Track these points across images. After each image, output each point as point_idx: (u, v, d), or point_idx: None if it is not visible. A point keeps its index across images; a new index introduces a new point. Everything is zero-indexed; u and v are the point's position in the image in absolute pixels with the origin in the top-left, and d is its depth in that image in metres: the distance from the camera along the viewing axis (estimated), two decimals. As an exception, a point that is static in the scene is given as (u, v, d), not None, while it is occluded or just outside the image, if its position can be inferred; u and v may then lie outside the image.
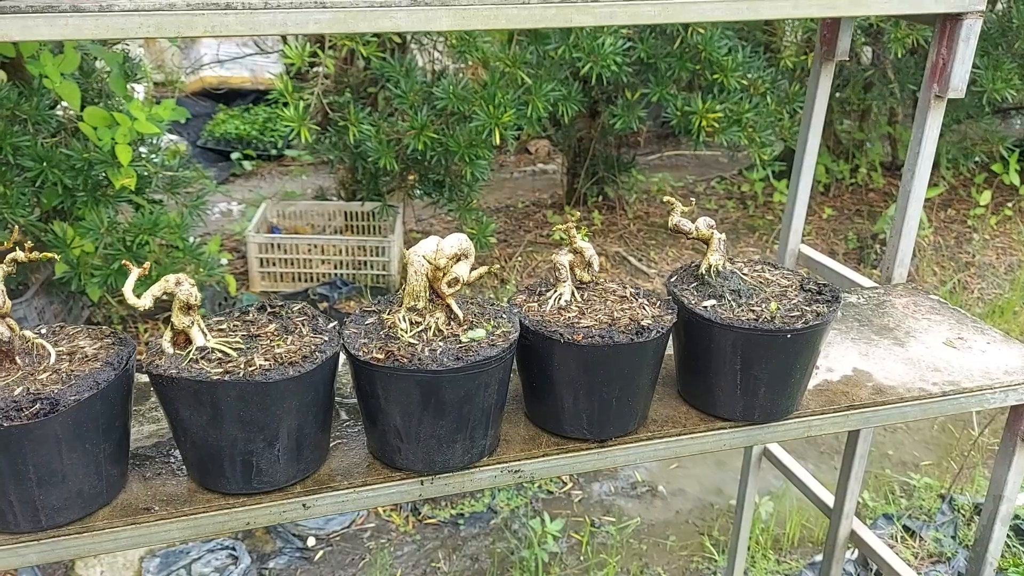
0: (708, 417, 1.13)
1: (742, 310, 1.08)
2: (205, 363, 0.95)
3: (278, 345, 0.99)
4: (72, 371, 0.93)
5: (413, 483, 1.05)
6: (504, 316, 1.06)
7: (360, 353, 0.99)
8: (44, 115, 2.86)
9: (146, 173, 3.14)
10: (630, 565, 2.82)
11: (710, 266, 1.16)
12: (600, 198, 4.99)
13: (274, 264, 4.02)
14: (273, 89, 6.10)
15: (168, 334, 0.98)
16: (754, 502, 2.05)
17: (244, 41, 5.60)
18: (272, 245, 4.01)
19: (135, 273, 0.94)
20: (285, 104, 3.07)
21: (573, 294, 1.12)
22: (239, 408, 0.94)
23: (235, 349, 0.98)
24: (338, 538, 2.94)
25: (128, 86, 3.09)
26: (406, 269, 1.04)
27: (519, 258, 4.44)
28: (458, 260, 1.04)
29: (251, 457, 0.98)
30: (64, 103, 2.96)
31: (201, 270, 3.24)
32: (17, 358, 0.94)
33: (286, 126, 3.01)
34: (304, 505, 1.02)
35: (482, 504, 3.05)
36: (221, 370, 0.94)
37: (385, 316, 1.06)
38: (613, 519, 3.02)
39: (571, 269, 1.13)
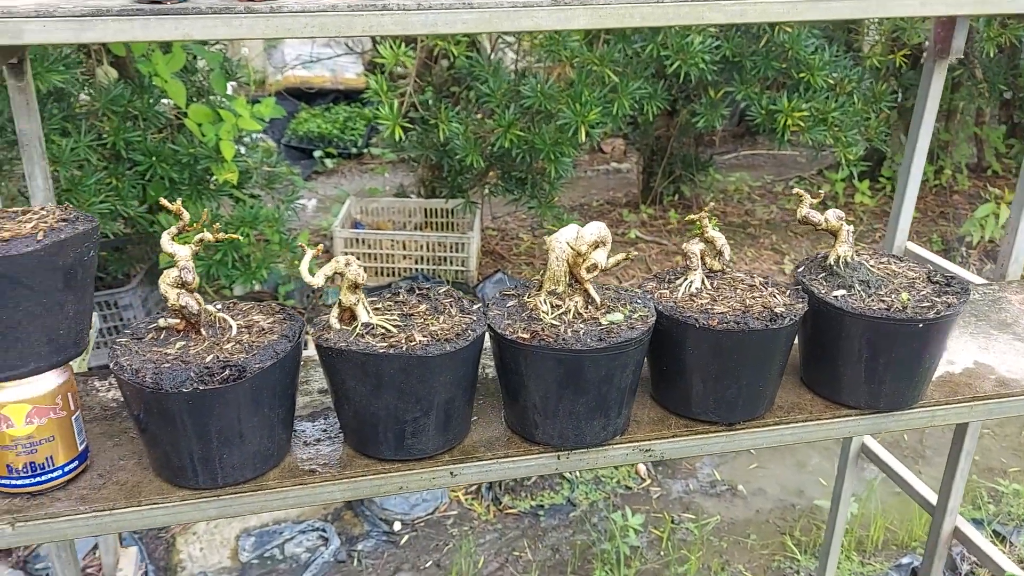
0: (833, 404, 1.17)
1: (872, 300, 1.11)
2: (370, 338, 1.03)
3: (432, 323, 1.07)
4: (252, 342, 1.02)
5: (550, 457, 1.11)
6: (639, 301, 1.12)
7: (506, 332, 1.06)
8: (154, 112, 3.01)
9: (246, 169, 3.28)
10: (711, 562, 2.85)
11: (839, 257, 1.19)
12: (676, 197, 5.00)
13: (358, 258, 4.14)
14: (352, 89, 6.24)
15: (336, 311, 1.06)
16: (849, 501, 2.06)
17: (327, 42, 5.76)
18: (356, 240, 4.12)
19: (310, 253, 1.02)
20: (379, 103, 3.17)
21: (703, 282, 1.17)
22: (400, 380, 1.01)
23: (395, 326, 1.05)
24: (423, 524, 3.03)
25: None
26: (548, 255, 1.10)
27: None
28: (596, 247, 1.10)
29: (406, 426, 1.05)
30: (165, 100, 3.12)
31: (296, 262, 3.37)
32: (202, 329, 1.03)
33: (380, 124, 3.11)
34: (451, 473, 1.09)
35: (561, 497, 3.11)
36: (386, 344, 1.01)
37: (525, 299, 1.13)
38: (693, 516, 3.04)
39: (701, 258, 1.18)
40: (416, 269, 4.14)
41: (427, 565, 2.85)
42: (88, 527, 1.00)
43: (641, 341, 1.05)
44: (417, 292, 1.16)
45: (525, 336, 1.05)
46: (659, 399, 1.19)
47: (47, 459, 1.00)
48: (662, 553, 2.89)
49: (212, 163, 3.04)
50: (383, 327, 1.05)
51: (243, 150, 3.33)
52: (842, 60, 3.44)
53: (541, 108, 3.31)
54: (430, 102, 3.75)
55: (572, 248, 1.07)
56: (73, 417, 1.02)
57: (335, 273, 1.04)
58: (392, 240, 4.15)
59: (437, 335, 1.03)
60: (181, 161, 3.03)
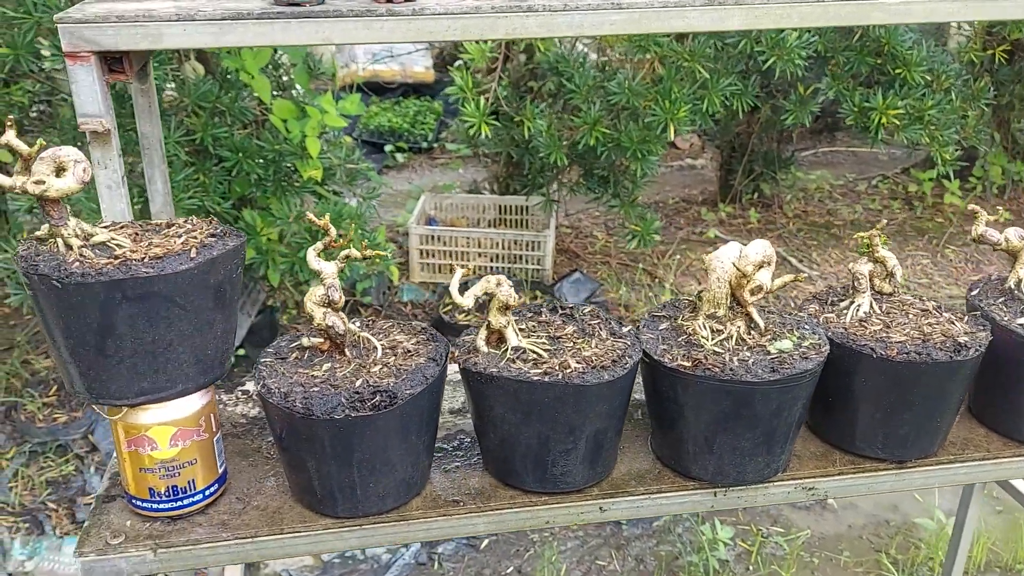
0: (1011, 442, 1.08)
1: (1067, 330, 1.02)
2: (521, 363, 0.97)
3: (583, 348, 1.00)
4: (399, 365, 0.96)
5: (706, 494, 1.04)
6: (806, 327, 1.04)
7: (664, 359, 0.99)
8: (241, 108, 3.00)
9: (329, 166, 3.26)
10: (802, 577, 2.75)
11: (1020, 280, 1.09)
12: (755, 195, 4.86)
13: (433, 255, 4.11)
14: (420, 82, 6.22)
15: (482, 332, 1.00)
16: (973, 528, 1.95)
17: (399, 35, 5.74)
18: (432, 237, 4.09)
19: (459, 273, 0.97)
20: (463, 100, 3.12)
21: (872, 305, 1.08)
22: (554, 409, 0.95)
23: (545, 350, 0.99)
24: (505, 528, 2.96)
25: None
26: (708, 275, 1.03)
27: (673, 256, 4.38)
28: (760, 267, 1.02)
29: (555, 457, 0.99)
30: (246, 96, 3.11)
31: (377, 261, 3.35)
32: (346, 350, 0.98)
33: (465, 121, 3.05)
34: (601, 508, 1.03)
35: (645, 505, 3.02)
36: (539, 371, 0.95)
37: (679, 322, 1.06)
38: (782, 530, 2.94)
39: (870, 279, 1.09)
40: (492, 267, 4.09)
41: (508, 571, 2.80)
42: (229, 555, 0.96)
43: (815, 373, 0.97)
44: (561, 311, 1.09)
45: (687, 364, 0.97)
46: (819, 431, 1.11)
47: (189, 482, 0.97)
48: (751, 568, 2.79)
49: (297, 160, 3.02)
50: (534, 351, 0.98)
51: (325, 146, 3.31)
52: (939, 55, 3.28)
53: (627, 105, 3.23)
54: (509, 98, 3.69)
55: (737, 269, 0.99)
56: (215, 439, 0.99)
57: (484, 293, 0.98)
58: (467, 238, 4.11)
59: (592, 361, 0.97)
60: (266, 157, 3.02)
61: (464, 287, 0.95)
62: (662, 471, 1.06)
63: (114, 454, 1.07)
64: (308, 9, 1.04)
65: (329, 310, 0.96)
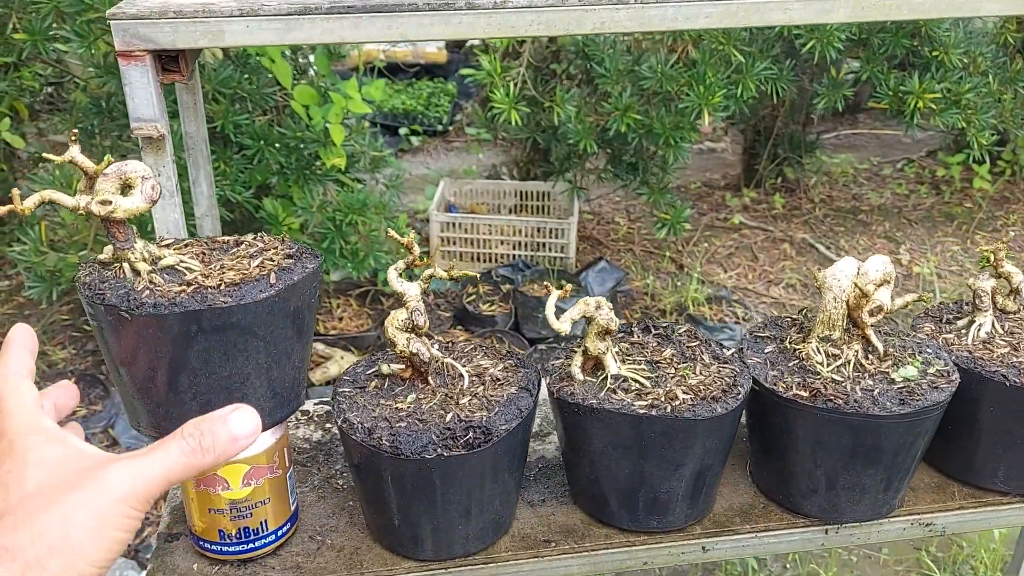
0: None
1: None
2: (623, 393, 0.88)
3: (687, 375, 0.92)
4: (490, 396, 0.88)
5: (817, 531, 0.96)
6: (929, 350, 0.95)
7: (778, 388, 0.90)
8: (262, 94, 2.90)
9: (352, 153, 3.16)
10: (841, 577, 2.68)
11: None
12: (779, 180, 4.76)
13: (454, 243, 4.02)
14: (432, 63, 6.09)
15: (577, 359, 0.92)
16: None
17: (412, 15, 5.61)
18: (453, 224, 4.00)
19: (556, 295, 0.88)
20: (491, 85, 3.01)
21: (994, 325, 0.99)
22: (661, 444, 0.87)
23: (646, 377, 0.91)
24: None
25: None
26: (823, 293, 0.94)
27: (698, 244, 4.28)
28: (880, 285, 0.93)
29: (657, 494, 0.91)
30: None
31: (401, 250, 3.26)
32: (430, 378, 0.90)
33: (496, 108, 2.95)
34: (703, 548, 0.95)
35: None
36: (645, 403, 0.86)
37: (787, 344, 0.97)
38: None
39: (992, 296, 1.01)
40: (514, 255, 4.00)
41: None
42: (305, 602, 0.88)
43: (944, 404, 0.89)
44: (654, 331, 1.00)
45: (804, 394, 0.89)
46: (934, 461, 1.02)
47: (261, 523, 0.88)
48: (788, 566, 2.73)
49: (320, 147, 2.93)
50: (636, 380, 0.90)
51: (347, 133, 3.21)
52: (975, 37, 3.18)
53: (660, 89, 3.12)
54: (534, 82, 3.58)
55: (858, 288, 0.91)
56: (288, 475, 0.90)
57: (582, 316, 0.89)
58: (489, 225, 4.01)
59: (699, 391, 0.88)
60: (288, 145, 2.93)
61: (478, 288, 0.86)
62: (767, 506, 0.98)
63: (177, 490, 0.99)
64: (380, 3, 0.94)
65: (413, 336, 0.88)
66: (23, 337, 0.62)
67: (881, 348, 0.94)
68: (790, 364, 0.94)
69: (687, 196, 4.81)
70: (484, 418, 0.85)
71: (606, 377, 0.90)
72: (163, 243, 0.85)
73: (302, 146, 2.92)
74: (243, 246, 0.85)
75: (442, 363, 0.91)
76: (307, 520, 0.96)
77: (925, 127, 3.99)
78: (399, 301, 0.88)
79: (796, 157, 4.61)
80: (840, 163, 5.05)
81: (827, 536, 0.96)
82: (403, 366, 0.90)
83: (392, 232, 0.90)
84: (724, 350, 0.97)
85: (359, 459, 0.86)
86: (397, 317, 0.88)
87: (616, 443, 0.88)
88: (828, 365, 0.92)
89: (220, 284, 0.76)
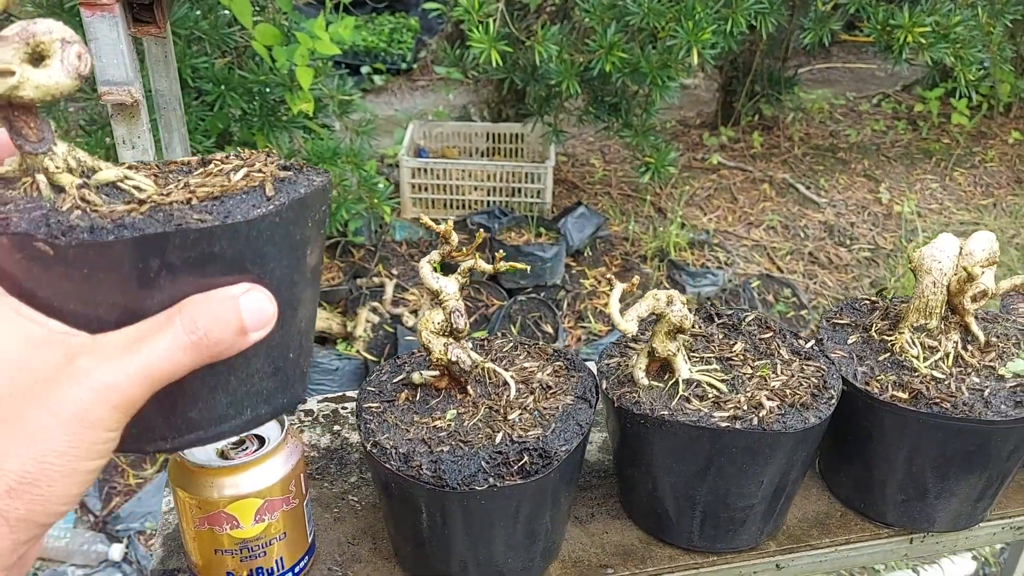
0: None
1: None
2: (698, 401, 0.76)
3: (767, 376, 0.79)
4: (542, 408, 0.75)
5: (901, 541, 0.86)
6: (1033, 339, 0.84)
7: (872, 389, 0.79)
8: (223, 35, 2.66)
9: (320, 96, 2.95)
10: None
11: None
12: (756, 118, 4.63)
13: (426, 190, 3.84)
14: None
15: (642, 360, 0.78)
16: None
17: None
18: (424, 170, 3.81)
19: (619, 288, 0.74)
20: (468, 23, 2.81)
21: (1097, 307, 0.88)
22: (743, 460, 0.75)
23: (720, 380, 0.78)
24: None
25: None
26: (919, 277, 0.82)
27: (676, 185, 4.16)
28: (985, 267, 0.81)
29: (733, 513, 0.79)
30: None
31: (375, 201, 3.08)
32: (469, 387, 0.76)
33: (474, 47, 2.76)
34: (777, 566, 0.84)
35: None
36: (726, 414, 0.74)
37: (873, 333, 0.85)
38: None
39: (1095, 275, 0.89)
40: (489, 201, 3.84)
41: None
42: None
43: (1062, 403, 0.78)
44: (719, 321, 0.88)
45: (903, 396, 0.77)
46: (1024, 456, 0.92)
47: (276, 562, 0.75)
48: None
49: (286, 91, 2.71)
50: (712, 385, 0.77)
51: (315, 76, 2.98)
52: (966, -34, 3.05)
53: (645, 26, 2.95)
54: (512, 18, 3.37)
55: (965, 271, 0.78)
56: (305, 503, 0.77)
57: (651, 314, 0.76)
58: (462, 170, 3.83)
59: (786, 397, 0.76)
60: (251, 90, 2.71)
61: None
62: (845, 514, 0.87)
63: (170, 515, 0.85)
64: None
65: (452, 340, 0.73)
66: None
67: (983, 338, 0.82)
68: (880, 358, 0.82)
69: (663, 135, 4.66)
70: (540, 437, 0.71)
71: (676, 382, 0.77)
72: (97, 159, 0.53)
73: (266, 90, 2.70)
74: (214, 164, 0.54)
75: (483, 368, 0.77)
76: (324, 549, 0.83)
77: (910, 61, 3.87)
78: (435, 300, 0.73)
79: (774, 94, 4.47)
80: (816, 99, 4.93)
81: (911, 546, 0.86)
82: (438, 374, 0.76)
83: (425, 219, 0.75)
84: (801, 341, 0.84)
85: (393, 488, 0.73)
86: (432, 319, 0.73)
87: (689, 459, 0.76)
88: (926, 360, 0.80)
89: (191, 200, 0.46)
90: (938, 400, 0.76)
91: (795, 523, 0.86)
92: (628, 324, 0.74)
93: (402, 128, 4.10)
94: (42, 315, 0.42)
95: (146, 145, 0.79)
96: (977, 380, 0.78)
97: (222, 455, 0.73)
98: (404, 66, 5.20)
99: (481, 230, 0.84)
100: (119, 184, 0.48)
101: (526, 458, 0.70)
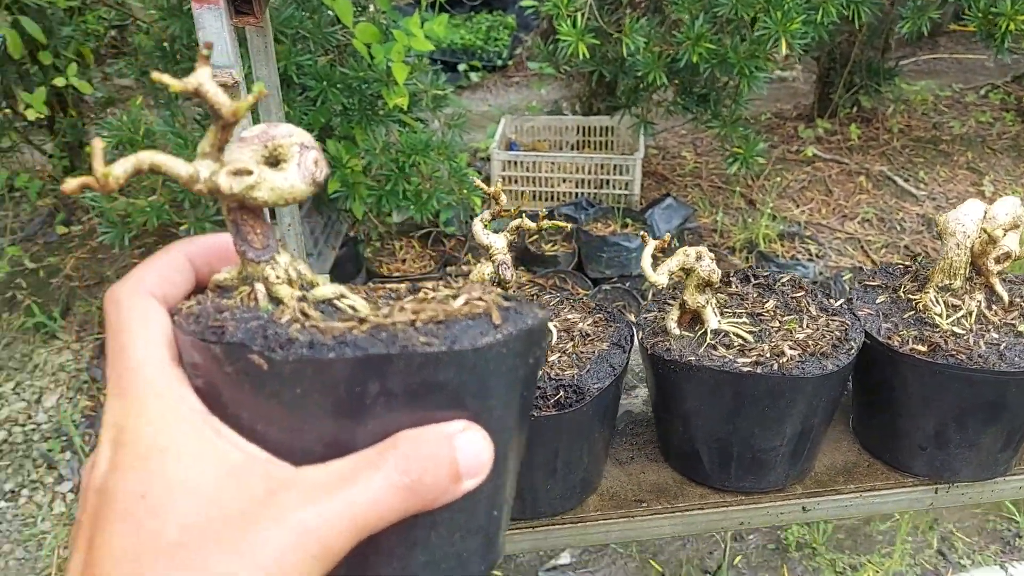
0: None
1: None
2: (724, 349, 0.83)
3: (793, 329, 0.85)
4: (580, 353, 0.83)
5: (926, 490, 0.90)
6: (1059, 300, 0.87)
7: (893, 342, 0.84)
8: (325, 33, 2.84)
9: (415, 91, 3.10)
10: (918, 521, 2.61)
11: None
12: (854, 109, 4.54)
13: (516, 182, 3.95)
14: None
15: (674, 312, 0.86)
16: None
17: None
18: (514, 163, 3.92)
19: (653, 244, 0.82)
20: (557, 16, 2.90)
21: None
22: (764, 403, 0.81)
23: (748, 332, 0.85)
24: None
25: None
26: (944, 239, 0.86)
27: (768, 178, 4.13)
28: (1008, 230, 0.85)
29: (758, 454, 0.86)
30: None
31: (465, 191, 3.21)
32: (516, 335, 0.85)
33: (562, 40, 2.85)
34: (804, 508, 0.90)
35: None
36: (749, 360, 0.81)
37: (901, 294, 0.90)
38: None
39: None
40: (577, 193, 3.92)
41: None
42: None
43: (1080, 359, 0.81)
44: (755, 281, 0.94)
45: (922, 349, 0.82)
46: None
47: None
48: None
49: (382, 87, 2.87)
50: (739, 335, 0.84)
51: (410, 72, 3.13)
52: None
53: (734, 16, 2.97)
54: (600, 11, 3.44)
55: (986, 232, 0.83)
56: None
57: (681, 269, 0.83)
58: (551, 162, 3.93)
59: (808, 347, 0.82)
60: (351, 85, 2.87)
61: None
62: (872, 464, 0.92)
63: None
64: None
65: (500, 291, 0.83)
66: (181, 248, 0.43)
67: (1007, 298, 0.86)
68: (905, 316, 0.87)
69: (758, 128, 4.63)
70: (575, 376, 0.80)
71: (705, 332, 0.85)
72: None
73: (365, 86, 2.87)
74: (422, 292, 0.52)
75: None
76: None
77: (1016, 50, 3.74)
78: (485, 254, 0.83)
79: (873, 85, 4.38)
80: (920, 90, 4.79)
81: (936, 496, 0.90)
82: (488, 320, 0.86)
83: (478, 182, 0.85)
84: (832, 301, 0.90)
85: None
86: (482, 272, 0.83)
87: (716, 402, 0.83)
88: (948, 317, 0.85)
89: (414, 322, 0.42)
90: (954, 352, 0.81)
91: (823, 470, 0.92)
92: (659, 277, 0.82)
93: (495, 123, 4.23)
94: (243, 438, 0.38)
95: (245, 123, 0.92)
96: (996, 336, 0.82)
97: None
98: (500, 63, 5.33)
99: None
100: (335, 302, 0.46)
101: (561, 393, 0.79)
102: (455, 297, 0.46)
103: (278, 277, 0.45)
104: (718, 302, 0.90)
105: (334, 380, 0.39)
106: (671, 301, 0.92)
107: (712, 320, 0.85)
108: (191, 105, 2.83)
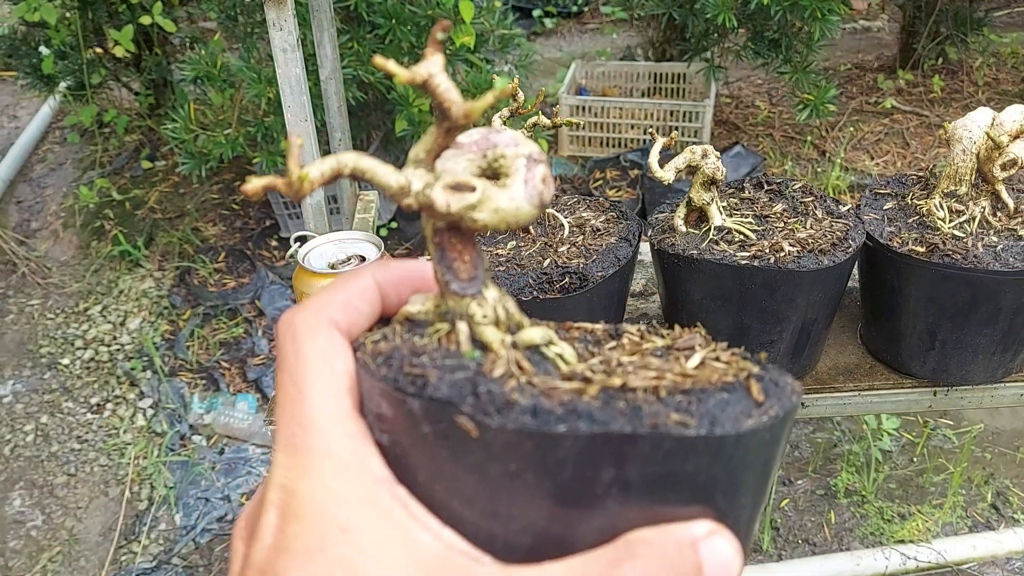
0: None
1: None
2: (726, 245, 0.87)
3: (797, 229, 0.89)
4: (588, 244, 0.89)
5: (924, 392, 0.93)
6: (1067, 209, 0.88)
7: (892, 244, 0.87)
8: (395, -29, 2.90)
9: (481, 32, 3.14)
10: (972, 474, 2.58)
11: None
12: (939, 61, 4.37)
13: (583, 128, 3.96)
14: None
15: (681, 210, 0.91)
16: None
17: None
18: (582, 108, 3.93)
19: (660, 142, 0.87)
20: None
21: None
22: (762, 297, 0.86)
23: (752, 230, 0.89)
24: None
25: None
26: (951, 145, 0.88)
27: (843, 128, 4.04)
28: (1014, 137, 0.86)
29: (756, 348, 0.90)
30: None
31: (525, 131, 3.24)
32: (531, 227, 0.91)
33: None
34: (802, 404, 0.94)
35: (804, 390, 2.90)
36: (747, 254, 0.85)
37: (908, 201, 0.92)
38: (952, 423, 2.76)
39: None
40: (645, 140, 3.91)
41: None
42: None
43: (1078, 263, 0.83)
44: (767, 187, 0.98)
45: (919, 249, 0.85)
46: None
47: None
48: (915, 460, 2.65)
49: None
50: (741, 232, 0.88)
51: (477, 11, 3.18)
52: None
53: (808, -43, 2.91)
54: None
55: (990, 139, 0.84)
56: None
57: (687, 166, 0.88)
58: (620, 108, 3.92)
59: (807, 245, 0.86)
60: (419, 24, 2.93)
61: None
62: (874, 366, 0.96)
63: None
64: None
65: (515, 183, 0.89)
66: (372, 272, 0.37)
67: (1012, 205, 0.88)
68: (909, 220, 0.90)
69: (836, 78, 4.51)
70: (581, 265, 0.86)
71: (709, 229, 0.89)
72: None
73: (432, 25, 2.92)
74: (625, 338, 0.40)
75: (543, 212, 0.92)
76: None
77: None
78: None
79: (960, 35, 4.20)
80: (1010, 43, 4.57)
81: (935, 398, 0.93)
82: (506, 213, 0.92)
83: (496, 78, 0.91)
84: (840, 206, 0.93)
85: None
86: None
87: (716, 295, 0.88)
88: (950, 221, 0.87)
89: (657, 389, 0.34)
90: (951, 253, 0.83)
91: (824, 370, 0.96)
92: (666, 173, 0.86)
93: (566, 69, 4.23)
94: (435, 519, 0.32)
95: (291, 28, 0.99)
96: (996, 240, 0.84)
97: (332, 267, 0.93)
98: (575, 9, 5.31)
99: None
100: (543, 349, 0.37)
101: (567, 279, 0.85)
102: (673, 349, 0.38)
103: (485, 316, 0.36)
104: (729, 206, 0.94)
105: (560, 460, 0.31)
106: (680, 200, 0.96)
107: (716, 217, 0.89)
108: (264, 44, 2.94)
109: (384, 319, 0.39)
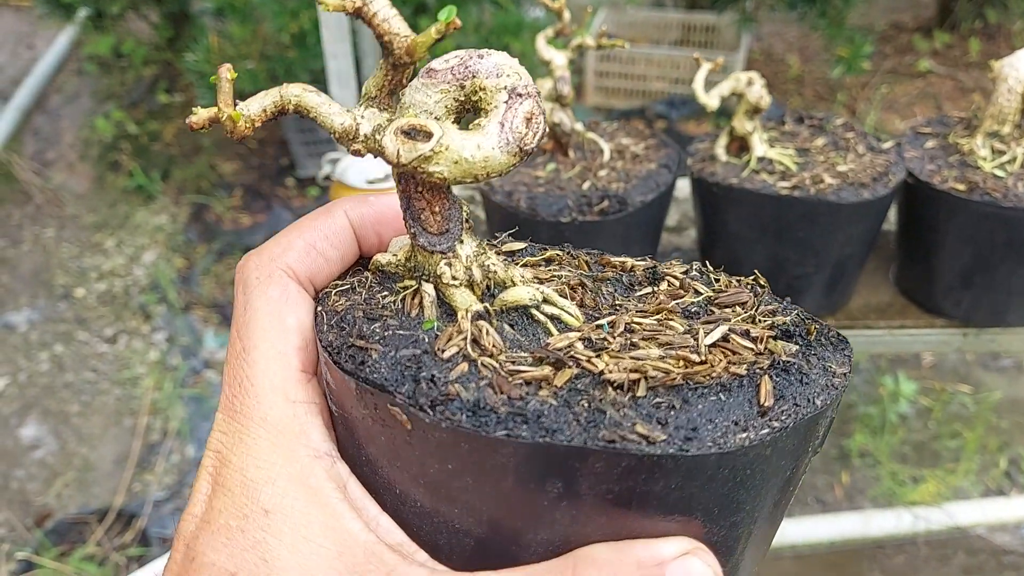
0: None
1: None
2: (767, 175, 0.87)
3: (837, 163, 0.89)
4: (628, 170, 0.89)
5: (955, 332, 0.93)
6: (1114, 153, 0.87)
7: (933, 181, 0.86)
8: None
9: (512, -28, 3.09)
10: (988, 441, 2.59)
11: None
12: (977, 23, 4.28)
13: (609, 76, 3.92)
14: None
15: (722, 139, 0.91)
16: None
17: None
18: (609, 56, 3.88)
19: (706, 67, 0.86)
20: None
21: None
22: (801, 228, 0.86)
23: (794, 163, 0.89)
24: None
25: None
26: (996, 85, 0.87)
27: (875, 88, 3.98)
28: (1067, 79, 0.85)
29: (791, 280, 0.91)
30: None
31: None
32: (570, 151, 0.91)
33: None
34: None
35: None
36: (788, 184, 0.85)
37: (950, 140, 0.92)
38: (970, 389, 2.76)
39: None
40: (672, 92, 3.87)
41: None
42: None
43: (1122, 206, 0.82)
44: (808, 122, 0.97)
45: (960, 187, 0.85)
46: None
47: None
48: (930, 425, 2.66)
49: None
50: (782, 163, 0.88)
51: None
52: None
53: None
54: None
55: (1040, 78, 0.83)
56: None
57: (732, 93, 0.87)
58: (647, 58, 3.87)
59: (848, 178, 0.86)
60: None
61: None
62: (906, 305, 0.96)
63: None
64: None
65: (557, 105, 0.89)
66: (345, 208, 0.34)
67: (1057, 147, 0.87)
68: (950, 159, 0.89)
69: (871, 37, 4.42)
70: (621, 188, 0.86)
71: (751, 159, 0.89)
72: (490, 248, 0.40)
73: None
74: (665, 283, 0.39)
75: (583, 138, 0.92)
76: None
77: None
78: (546, 68, 0.89)
79: (1002, -4, 4.11)
80: (1055, 5, 4.45)
81: (965, 340, 0.94)
82: (546, 138, 0.93)
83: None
84: (882, 143, 0.93)
85: (496, 221, 0.91)
86: (543, 86, 0.89)
87: (754, 226, 0.88)
88: (992, 160, 0.86)
89: (635, 384, 0.28)
90: (990, 191, 0.83)
91: (857, 307, 0.96)
92: (711, 99, 0.86)
93: (593, 15, 4.17)
94: (375, 504, 0.29)
95: None
96: (1039, 179, 0.84)
97: (370, 183, 0.93)
98: (606, -43, 5.20)
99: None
100: (534, 311, 0.32)
101: (606, 202, 0.85)
102: (712, 305, 0.33)
103: (455, 278, 0.32)
104: (770, 139, 0.94)
105: (499, 466, 0.27)
106: (723, 129, 0.96)
107: (758, 147, 0.89)
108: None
109: (364, 260, 0.35)
